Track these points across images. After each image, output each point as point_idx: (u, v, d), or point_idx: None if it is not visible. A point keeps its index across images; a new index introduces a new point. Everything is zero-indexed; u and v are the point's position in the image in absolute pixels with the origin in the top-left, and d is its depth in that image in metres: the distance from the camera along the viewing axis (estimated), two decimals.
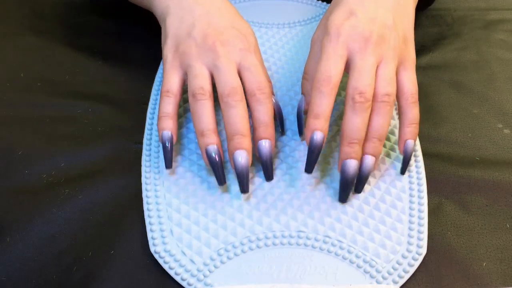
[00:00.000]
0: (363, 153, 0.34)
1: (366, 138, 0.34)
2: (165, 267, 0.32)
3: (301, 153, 0.38)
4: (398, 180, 0.36)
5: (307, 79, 0.39)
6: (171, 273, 0.31)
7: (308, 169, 0.34)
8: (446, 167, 0.38)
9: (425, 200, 0.35)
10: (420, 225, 0.33)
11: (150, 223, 0.34)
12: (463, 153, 0.39)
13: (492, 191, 0.36)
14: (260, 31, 0.49)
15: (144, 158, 0.38)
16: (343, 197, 0.34)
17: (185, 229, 0.33)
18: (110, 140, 0.39)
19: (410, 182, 0.36)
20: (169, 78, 0.37)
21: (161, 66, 0.45)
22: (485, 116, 0.42)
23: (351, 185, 0.34)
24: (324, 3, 0.53)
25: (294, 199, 0.35)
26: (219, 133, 0.36)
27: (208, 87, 0.36)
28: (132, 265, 0.32)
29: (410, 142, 0.35)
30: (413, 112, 0.36)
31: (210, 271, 0.31)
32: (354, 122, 0.33)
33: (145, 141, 0.39)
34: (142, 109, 0.42)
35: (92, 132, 0.40)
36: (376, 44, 0.35)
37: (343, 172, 0.34)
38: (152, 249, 0.32)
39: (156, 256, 0.32)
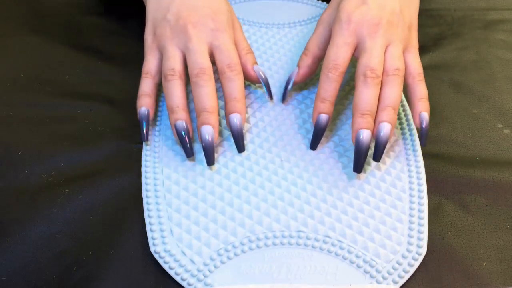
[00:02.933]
0: (379, 122, 0.35)
1: (379, 109, 0.36)
2: (165, 267, 0.32)
3: (302, 152, 0.38)
4: (398, 180, 0.36)
5: (306, 54, 0.41)
6: (171, 273, 0.31)
7: (313, 147, 0.38)
8: (446, 167, 0.38)
9: (425, 200, 0.35)
10: (420, 225, 0.33)
11: (150, 223, 0.34)
12: (463, 153, 0.39)
13: (492, 191, 0.36)
14: (260, 31, 0.49)
15: (144, 158, 0.38)
16: (357, 167, 0.35)
17: (185, 229, 0.33)
18: (110, 140, 0.39)
19: (410, 182, 0.36)
20: (148, 60, 0.40)
21: None
22: (485, 116, 0.42)
23: (365, 155, 0.35)
24: (324, 3, 0.53)
25: (295, 199, 0.35)
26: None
27: (179, 68, 0.38)
28: (132, 265, 0.32)
29: (425, 114, 0.37)
30: (421, 88, 0.38)
31: (210, 271, 0.31)
32: (366, 95, 0.35)
33: None
34: None
35: (92, 132, 0.40)
36: (385, 29, 0.37)
37: (357, 142, 0.35)
38: (152, 249, 0.32)
39: (156, 256, 0.32)
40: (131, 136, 0.40)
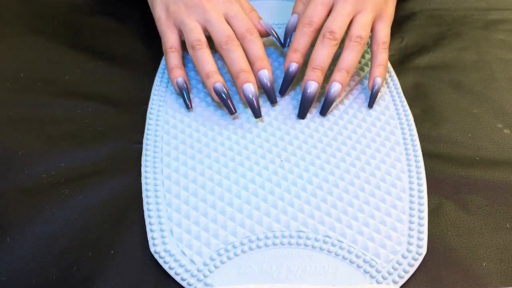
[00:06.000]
0: (331, 81, 0.40)
1: (335, 70, 0.40)
2: (165, 267, 0.32)
3: (302, 151, 0.38)
4: (398, 180, 0.36)
5: (303, 2, 0.44)
6: (171, 273, 0.31)
7: (281, 91, 0.42)
8: (446, 167, 0.38)
9: (425, 200, 0.35)
10: (420, 225, 0.33)
11: (150, 223, 0.34)
12: (463, 153, 0.39)
13: (492, 191, 0.36)
14: None
15: (144, 158, 0.38)
16: (301, 114, 0.40)
17: (185, 229, 0.33)
18: (110, 140, 0.39)
19: (410, 182, 0.36)
20: (169, 36, 0.42)
21: (161, 66, 0.45)
22: (485, 116, 0.42)
23: (309, 104, 0.40)
24: None
25: (295, 199, 0.35)
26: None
27: (203, 38, 0.41)
28: (132, 265, 0.32)
29: (378, 79, 0.41)
30: (382, 56, 0.41)
31: (210, 271, 0.31)
32: (320, 53, 0.40)
33: (145, 141, 0.39)
34: (142, 109, 0.42)
35: (92, 132, 0.40)
36: None
37: (304, 91, 0.40)
38: (152, 249, 0.32)
39: (156, 256, 0.32)
40: (131, 136, 0.40)
